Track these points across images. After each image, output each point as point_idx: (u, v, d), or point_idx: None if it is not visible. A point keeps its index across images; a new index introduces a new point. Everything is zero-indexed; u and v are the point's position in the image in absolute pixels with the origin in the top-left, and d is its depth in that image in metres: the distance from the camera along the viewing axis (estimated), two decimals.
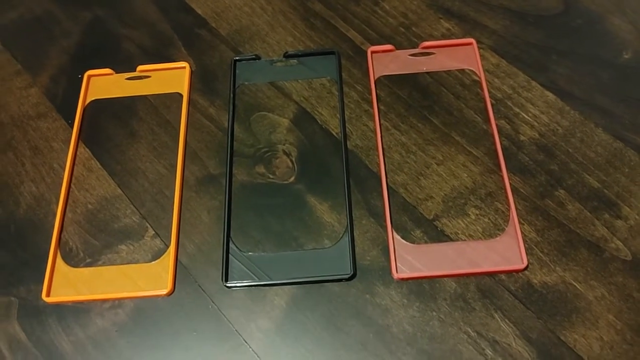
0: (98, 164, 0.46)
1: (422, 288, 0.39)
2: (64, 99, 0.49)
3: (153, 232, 0.42)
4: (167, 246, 0.42)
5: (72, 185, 0.45)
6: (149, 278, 0.40)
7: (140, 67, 0.49)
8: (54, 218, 0.43)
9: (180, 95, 0.48)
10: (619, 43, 0.48)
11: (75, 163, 0.46)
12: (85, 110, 0.48)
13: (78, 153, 0.46)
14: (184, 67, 0.49)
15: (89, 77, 0.49)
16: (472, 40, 0.48)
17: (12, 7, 0.56)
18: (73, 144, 0.46)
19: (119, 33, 0.53)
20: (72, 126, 0.47)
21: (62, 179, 0.45)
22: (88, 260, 0.42)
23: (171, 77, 0.49)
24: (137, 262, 0.41)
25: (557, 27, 0.50)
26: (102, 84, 0.49)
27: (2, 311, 0.40)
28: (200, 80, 0.49)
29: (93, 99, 0.49)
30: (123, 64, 0.50)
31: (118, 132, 0.47)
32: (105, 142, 0.47)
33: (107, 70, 0.49)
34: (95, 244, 0.42)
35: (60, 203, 0.43)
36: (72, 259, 0.42)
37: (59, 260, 0.41)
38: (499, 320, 0.37)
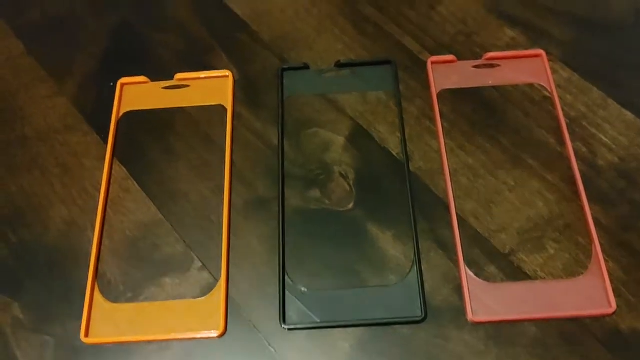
0: (135, 184, 0.42)
1: (500, 332, 0.36)
2: (94, 109, 0.45)
3: (200, 264, 0.38)
4: (217, 280, 0.38)
5: (108, 209, 0.41)
6: (198, 316, 0.37)
7: (178, 75, 0.45)
8: (89, 245, 0.39)
9: (223, 108, 0.44)
10: None
11: (110, 183, 0.41)
12: (118, 123, 0.44)
13: (113, 172, 0.42)
14: (227, 76, 0.45)
15: (122, 85, 0.45)
16: (541, 51, 0.44)
17: (32, 6, 0.51)
18: (108, 161, 0.42)
19: (151, 36, 0.48)
20: (105, 141, 0.43)
21: (96, 201, 0.41)
22: (129, 294, 0.38)
23: (212, 87, 0.45)
24: (183, 297, 0.38)
25: (630, 38, 0.46)
26: (136, 93, 0.45)
27: (35, 352, 0.36)
28: (243, 91, 0.45)
29: (127, 110, 0.44)
30: (157, 71, 0.46)
31: (155, 148, 0.43)
32: (142, 160, 0.43)
33: (142, 79, 0.45)
34: (136, 277, 0.38)
35: (97, 229, 0.39)
36: (111, 293, 0.38)
37: (97, 294, 0.38)
38: None
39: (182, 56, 0.47)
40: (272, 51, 0.47)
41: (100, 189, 0.41)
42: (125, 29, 0.49)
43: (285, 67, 0.45)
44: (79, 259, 0.39)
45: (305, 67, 0.45)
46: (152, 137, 0.43)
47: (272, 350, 0.36)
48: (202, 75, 0.45)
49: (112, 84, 0.45)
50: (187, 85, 0.45)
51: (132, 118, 0.44)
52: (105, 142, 0.43)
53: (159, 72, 0.46)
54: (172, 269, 0.39)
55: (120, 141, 0.43)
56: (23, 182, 0.42)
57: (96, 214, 0.40)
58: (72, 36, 0.49)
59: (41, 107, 0.46)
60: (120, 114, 0.44)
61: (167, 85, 0.45)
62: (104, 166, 0.42)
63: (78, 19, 0.50)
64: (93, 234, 0.40)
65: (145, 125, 0.44)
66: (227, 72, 0.45)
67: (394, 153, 0.42)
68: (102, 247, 0.39)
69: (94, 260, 0.39)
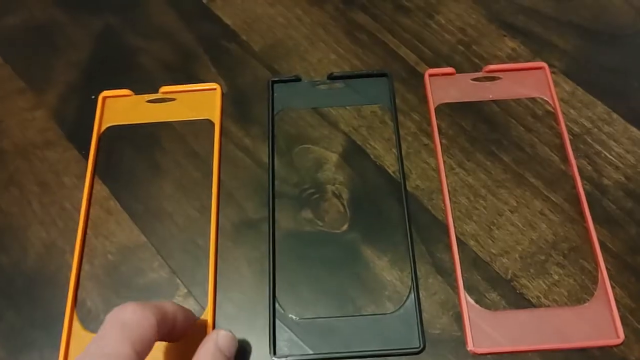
0: (118, 204, 0.40)
1: None
2: (75, 123, 0.43)
3: (186, 290, 0.36)
4: (203, 307, 0.36)
5: (89, 231, 0.38)
6: (184, 346, 0.34)
7: (163, 88, 0.43)
8: (68, 270, 0.37)
9: (211, 123, 0.42)
10: None
11: (91, 203, 0.39)
12: (100, 138, 0.41)
13: (94, 191, 0.40)
14: (215, 89, 0.43)
15: (104, 98, 0.43)
16: (543, 64, 0.43)
17: (9, 12, 0.49)
18: (89, 180, 0.40)
19: (135, 45, 0.46)
20: (86, 157, 0.41)
21: (76, 222, 0.39)
22: None
23: (200, 101, 0.43)
24: None
25: (635, 48, 0.44)
26: (119, 107, 0.43)
27: None
28: (232, 104, 0.43)
29: (109, 125, 0.42)
30: (141, 82, 0.44)
31: (138, 166, 0.41)
32: (124, 178, 0.41)
33: (126, 92, 0.43)
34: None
35: (76, 253, 0.37)
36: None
37: (76, 323, 0.36)
38: None
39: (167, 66, 0.45)
40: (262, 62, 0.45)
41: (80, 209, 0.39)
42: (109, 36, 0.47)
43: (275, 79, 0.43)
44: (57, 285, 0.37)
45: (297, 79, 0.43)
46: (135, 154, 0.41)
47: None
48: (189, 88, 0.43)
49: (93, 96, 0.43)
50: (173, 99, 0.43)
51: (115, 133, 0.42)
52: (86, 158, 0.41)
53: (144, 82, 0.44)
54: (156, 295, 0.37)
55: (101, 158, 0.41)
56: (0, 201, 0.40)
57: (76, 237, 0.38)
58: (52, 44, 0.47)
59: (19, 119, 0.44)
60: (102, 128, 0.42)
61: (152, 98, 0.43)
62: (84, 185, 0.40)
63: (58, 25, 0.48)
64: (72, 258, 0.37)
65: (128, 141, 0.42)
66: (215, 85, 0.43)
67: (390, 171, 0.40)
68: (82, 273, 0.37)
69: (73, 287, 0.37)
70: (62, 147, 0.42)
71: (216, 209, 0.39)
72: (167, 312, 0.30)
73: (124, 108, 0.43)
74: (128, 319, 0.28)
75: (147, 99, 0.43)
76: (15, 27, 0.48)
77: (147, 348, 0.28)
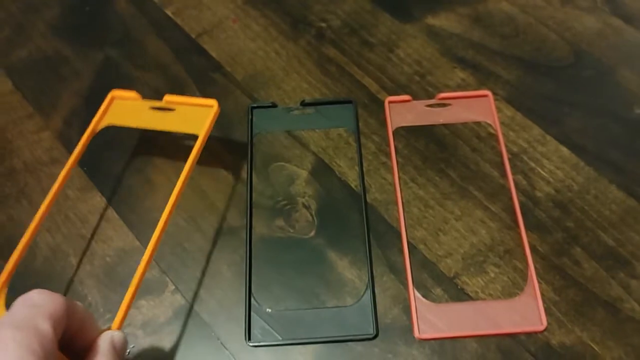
0: (115, 213, 0.45)
1: (444, 348, 0.40)
2: (77, 143, 0.49)
3: (174, 287, 0.42)
4: (189, 302, 0.41)
5: (89, 236, 0.44)
6: None
7: (167, 97, 0.46)
8: (71, 270, 0.43)
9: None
10: (630, 96, 0.49)
11: (91, 212, 0.45)
12: (95, 135, 0.45)
13: (94, 202, 0.46)
14: (212, 106, 0.44)
15: (112, 98, 0.46)
16: (488, 92, 0.49)
17: (20, 45, 0.55)
18: (69, 165, 0.43)
19: (132, 75, 0.52)
20: (87, 173, 0.47)
21: (78, 228, 0.44)
22: (107, 316, 0.41)
23: (195, 115, 0.45)
24: (157, 317, 0.41)
25: (569, 78, 0.51)
26: (122, 109, 0.46)
27: None
28: (217, 126, 0.49)
29: (108, 123, 0.45)
30: None
31: (133, 179, 0.47)
32: (120, 189, 0.46)
33: (133, 94, 0.46)
34: (114, 299, 0.42)
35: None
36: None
37: None
38: None
39: (161, 93, 0.51)
40: (243, 90, 0.51)
41: (82, 217, 0.45)
42: (109, 67, 0.53)
43: (254, 105, 0.49)
44: (63, 283, 0.43)
45: (273, 105, 0.49)
46: (130, 167, 0.47)
47: None
48: (189, 102, 0.45)
49: None
50: (173, 109, 0.45)
51: (110, 137, 0.46)
52: (87, 174, 0.46)
53: None
54: (148, 292, 0.42)
55: (100, 169, 0.47)
56: (12, 212, 0.46)
57: (78, 241, 0.44)
58: (57, 74, 0.53)
59: (29, 141, 0.49)
60: (100, 126, 0.45)
61: (156, 105, 0.45)
62: (85, 196, 0.46)
63: (64, 57, 0.54)
64: (75, 260, 0.43)
65: (124, 152, 0.47)
66: (212, 102, 0.45)
67: (353, 185, 0.46)
68: (84, 272, 0.43)
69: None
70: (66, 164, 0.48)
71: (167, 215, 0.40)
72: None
73: (126, 110, 0.46)
74: (37, 298, 0.27)
75: (151, 106, 0.46)
76: (26, 59, 0.54)
77: (59, 326, 0.27)
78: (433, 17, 0.55)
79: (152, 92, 0.51)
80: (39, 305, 0.27)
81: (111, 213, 0.45)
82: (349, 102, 0.49)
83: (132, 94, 0.46)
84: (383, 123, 0.48)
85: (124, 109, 0.46)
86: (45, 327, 0.26)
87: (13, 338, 0.25)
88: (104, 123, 0.45)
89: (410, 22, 0.55)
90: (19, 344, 0.24)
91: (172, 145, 0.48)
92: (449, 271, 0.42)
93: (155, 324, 0.41)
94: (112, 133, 0.45)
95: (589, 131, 0.48)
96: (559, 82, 0.51)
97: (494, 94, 0.50)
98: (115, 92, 0.46)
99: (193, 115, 0.45)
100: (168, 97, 0.45)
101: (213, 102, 0.45)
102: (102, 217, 0.45)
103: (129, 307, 0.35)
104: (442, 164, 0.47)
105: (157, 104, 0.45)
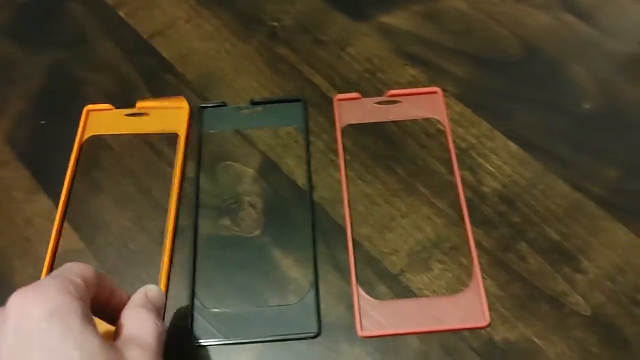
0: (61, 216, 0.45)
1: (387, 346, 0.39)
2: (26, 146, 0.48)
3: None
4: None
5: (34, 240, 0.44)
6: None
7: (139, 103, 0.49)
8: (14, 274, 0.42)
9: (175, 137, 0.48)
10: (580, 92, 0.49)
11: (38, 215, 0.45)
12: (82, 146, 0.48)
13: (41, 204, 0.45)
14: (183, 107, 0.49)
15: (89, 111, 0.49)
16: (437, 89, 0.49)
17: None
18: (68, 181, 0.46)
19: (82, 77, 0.52)
20: (35, 175, 0.46)
21: (23, 232, 0.44)
22: None
23: (170, 116, 0.49)
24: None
25: (520, 74, 0.51)
26: (100, 119, 0.49)
27: None
28: None
29: (91, 135, 0.48)
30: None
31: (81, 180, 0.46)
32: (68, 191, 0.46)
33: (107, 106, 0.49)
34: None
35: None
36: None
37: None
38: None
39: (111, 96, 0.51)
40: (194, 90, 0.51)
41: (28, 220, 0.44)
42: (59, 69, 0.53)
43: (203, 105, 0.49)
44: (5, 287, 0.42)
45: (223, 105, 0.49)
46: (77, 170, 0.47)
47: None
48: (160, 105, 0.49)
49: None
50: (147, 114, 0.49)
51: (59, 135, 0.48)
52: (35, 176, 0.46)
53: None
54: None
55: (46, 173, 0.47)
56: None
57: (21, 245, 0.43)
58: (6, 77, 0.52)
59: None
60: (85, 138, 0.48)
61: (130, 113, 0.49)
62: (32, 199, 0.45)
63: (11, 59, 0.54)
64: (18, 263, 0.43)
65: (72, 154, 0.47)
66: (183, 104, 0.49)
67: (300, 184, 0.46)
68: (27, 276, 0.42)
69: None
70: (14, 167, 0.47)
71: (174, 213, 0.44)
72: (106, 275, 0.35)
73: (105, 120, 0.49)
74: (69, 264, 0.32)
75: (126, 114, 0.49)
76: None
77: (91, 285, 0.31)
78: (386, 15, 0.55)
79: (103, 95, 0.51)
80: (70, 267, 0.32)
81: (58, 215, 0.45)
82: (298, 100, 0.49)
83: (105, 106, 0.49)
84: (333, 122, 0.48)
85: (102, 119, 0.49)
86: (78, 280, 0.30)
87: (51, 282, 0.29)
88: (86, 136, 0.48)
89: (363, 21, 0.55)
90: (57, 287, 0.29)
91: (120, 148, 0.48)
92: (394, 268, 0.42)
93: None
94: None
95: (538, 127, 0.48)
96: (510, 78, 0.51)
97: (445, 90, 0.50)
98: (90, 107, 0.49)
99: (169, 116, 0.48)
100: (140, 104, 0.49)
101: (183, 102, 0.49)
102: (48, 219, 0.45)
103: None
104: (390, 161, 0.46)
105: (131, 111, 0.48)
